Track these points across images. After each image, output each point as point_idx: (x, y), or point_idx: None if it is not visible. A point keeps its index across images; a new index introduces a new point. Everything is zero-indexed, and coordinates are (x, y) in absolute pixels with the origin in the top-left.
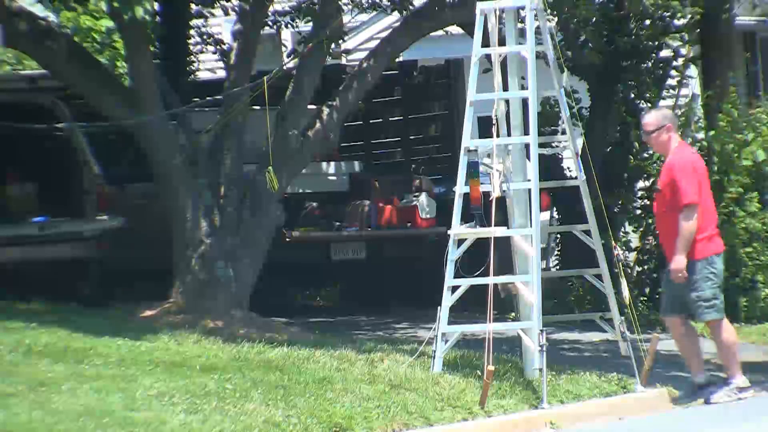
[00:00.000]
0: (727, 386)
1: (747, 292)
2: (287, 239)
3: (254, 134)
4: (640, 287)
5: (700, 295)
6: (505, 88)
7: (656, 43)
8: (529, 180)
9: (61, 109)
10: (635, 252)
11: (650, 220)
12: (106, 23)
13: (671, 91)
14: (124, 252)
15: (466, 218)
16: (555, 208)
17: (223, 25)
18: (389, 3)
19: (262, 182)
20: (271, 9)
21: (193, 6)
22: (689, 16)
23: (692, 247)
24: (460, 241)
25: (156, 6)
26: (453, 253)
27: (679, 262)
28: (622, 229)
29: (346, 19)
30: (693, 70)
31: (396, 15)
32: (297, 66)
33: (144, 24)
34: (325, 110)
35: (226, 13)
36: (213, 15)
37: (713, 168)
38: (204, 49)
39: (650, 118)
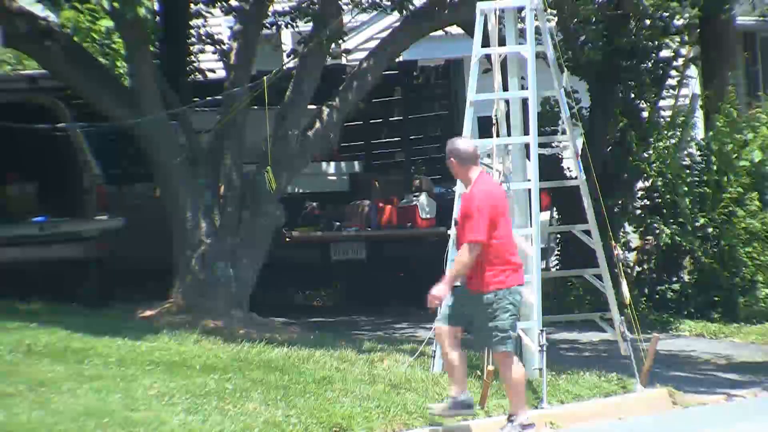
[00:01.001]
0: (510, 423)
1: (747, 292)
2: (287, 239)
3: (254, 134)
4: (639, 287)
5: (496, 325)
6: (505, 88)
7: (656, 43)
8: (529, 180)
9: (61, 109)
10: (635, 252)
11: (650, 220)
12: (106, 23)
13: (671, 91)
14: (124, 252)
15: None
16: (555, 208)
17: (223, 25)
18: (389, 3)
19: (262, 182)
20: (271, 9)
21: (192, 6)
22: (687, 16)
23: (495, 276)
24: None
25: (156, 6)
26: (453, 253)
27: (441, 291)
28: (622, 230)
29: (346, 19)
30: (693, 70)
31: (396, 15)
32: (297, 66)
33: (145, 23)
34: (325, 110)
35: (227, 14)
36: (212, 14)
37: (712, 168)
38: (203, 49)
39: (446, 147)
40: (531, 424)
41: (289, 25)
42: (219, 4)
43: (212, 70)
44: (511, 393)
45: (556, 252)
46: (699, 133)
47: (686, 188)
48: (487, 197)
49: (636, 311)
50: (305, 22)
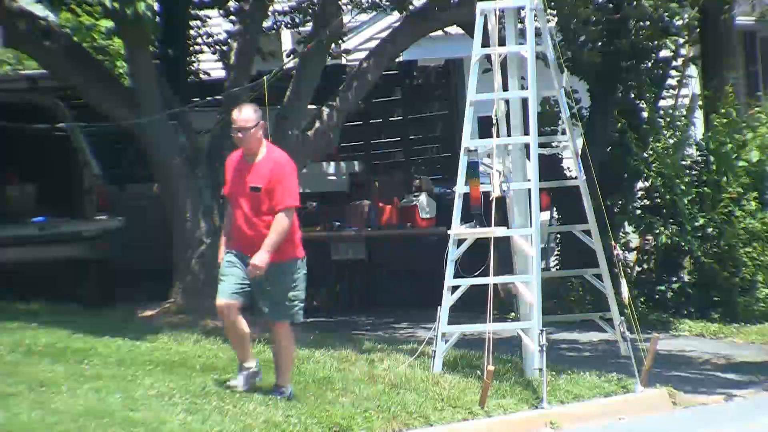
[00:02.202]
0: (279, 392)
1: (747, 292)
2: None
3: None
4: (639, 287)
5: (296, 294)
6: (505, 88)
7: (656, 43)
8: (529, 180)
9: (61, 109)
10: (635, 252)
11: (650, 220)
12: (106, 23)
13: (671, 91)
14: (124, 252)
15: (466, 218)
16: (555, 208)
17: (222, 26)
18: (389, 3)
19: None
20: (270, 9)
21: (192, 10)
22: (687, 16)
23: (294, 245)
24: (460, 241)
25: (156, 6)
26: (453, 253)
27: (265, 260)
28: (622, 230)
29: (346, 19)
30: (693, 70)
31: (396, 15)
32: (297, 66)
33: (144, 21)
34: (325, 110)
35: (226, 16)
36: (209, 18)
37: (711, 168)
38: (202, 50)
39: (249, 114)
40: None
41: (288, 25)
42: (217, 9)
43: (207, 73)
44: (287, 364)
45: (556, 252)
46: (699, 133)
47: (684, 188)
48: (292, 163)
49: (636, 311)
50: (305, 23)
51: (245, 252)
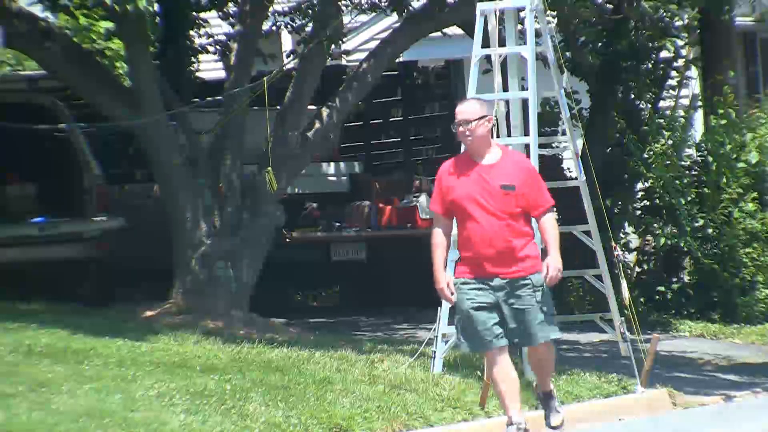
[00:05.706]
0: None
1: (747, 293)
2: (287, 239)
3: (254, 135)
4: (639, 288)
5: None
6: (505, 89)
7: (656, 44)
8: None
9: (61, 109)
10: (635, 253)
11: (649, 221)
12: (106, 24)
13: (671, 91)
14: (124, 252)
15: None
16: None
17: (223, 26)
18: (388, 4)
19: (262, 182)
20: (270, 9)
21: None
22: (687, 17)
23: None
24: None
25: (156, 7)
26: (454, 254)
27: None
28: (622, 230)
29: (346, 20)
30: (693, 71)
31: (396, 16)
32: (297, 67)
33: (144, 18)
34: (325, 111)
35: (224, 18)
36: (208, 22)
37: (711, 169)
38: (202, 50)
39: (476, 106)
40: None
41: (288, 26)
42: (216, 11)
43: (199, 77)
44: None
45: None
46: (698, 133)
47: (683, 189)
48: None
49: (636, 312)
50: (305, 27)
51: (488, 271)
